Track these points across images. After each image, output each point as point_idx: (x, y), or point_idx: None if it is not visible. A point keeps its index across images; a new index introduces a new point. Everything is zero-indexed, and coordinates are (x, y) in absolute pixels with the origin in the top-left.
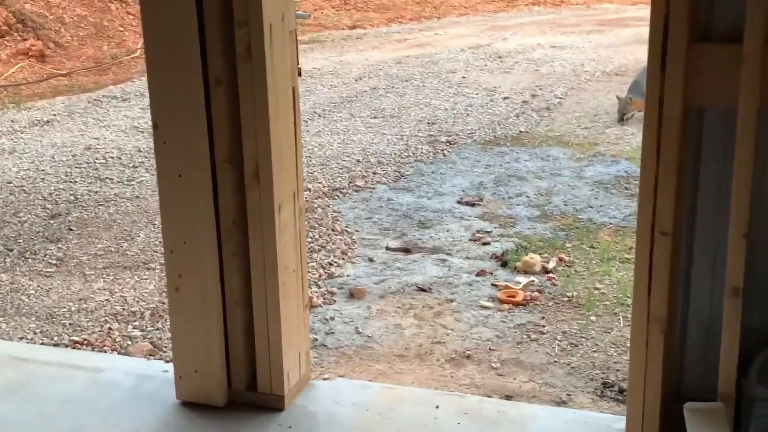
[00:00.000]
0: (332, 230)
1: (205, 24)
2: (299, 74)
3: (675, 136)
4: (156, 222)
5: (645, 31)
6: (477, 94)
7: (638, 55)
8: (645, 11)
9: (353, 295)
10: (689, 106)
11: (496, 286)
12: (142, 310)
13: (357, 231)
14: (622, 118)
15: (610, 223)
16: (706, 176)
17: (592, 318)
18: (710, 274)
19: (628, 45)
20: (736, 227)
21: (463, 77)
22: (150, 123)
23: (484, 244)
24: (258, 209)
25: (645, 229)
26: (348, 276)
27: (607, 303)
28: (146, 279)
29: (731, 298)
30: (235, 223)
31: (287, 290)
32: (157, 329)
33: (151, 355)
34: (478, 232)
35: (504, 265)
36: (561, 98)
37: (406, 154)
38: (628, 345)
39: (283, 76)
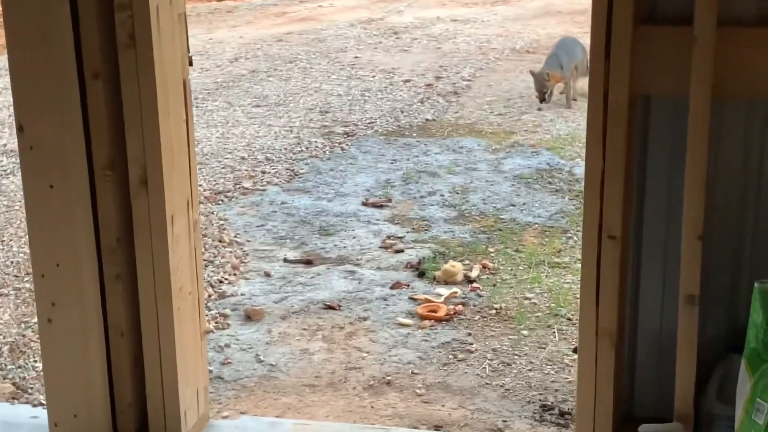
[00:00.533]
0: (219, 241)
1: (79, 6)
2: (190, 63)
3: (622, 129)
4: (5, 237)
5: (555, 1)
6: (374, 76)
7: (550, 30)
8: None
9: (250, 316)
10: (636, 95)
11: (414, 300)
12: None
13: (249, 241)
14: (543, 98)
15: (536, 223)
16: (654, 173)
17: (524, 332)
18: (661, 280)
19: (537, 18)
20: (689, 229)
21: (356, 57)
22: None
23: (397, 251)
24: (146, 222)
25: (591, 233)
26: (242, 295)
27: (540, 314)
28: None
29: (686, 306)
30: (119, 240)
31: (182, 316)
32: (20, 367)
33: (14, 398)
34: (388, 237)
35: (421, 275)
36: (469, 80)
37: (299, 149)
38: (566, 361)
39: (172, 66)
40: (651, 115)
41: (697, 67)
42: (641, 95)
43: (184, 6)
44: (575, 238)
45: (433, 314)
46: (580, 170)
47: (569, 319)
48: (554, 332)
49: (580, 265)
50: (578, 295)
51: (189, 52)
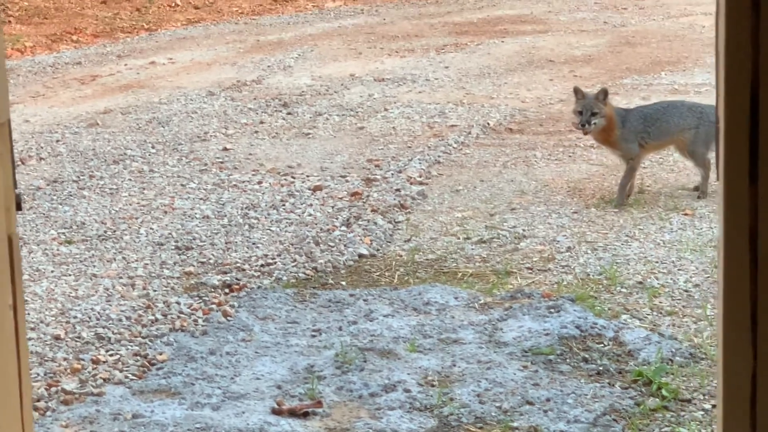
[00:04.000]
0: None
1: None
2: (18, 207)
3: None
4: None
5: (537, 42)
6: (260, 182)
7: (540, 92)
8: (532, 5)
9: None
10: None
11: None
12: None
13: None
14: (585, 123)
15: None
16: None
17: None
18: None
19: (516, 71)
20: None
21: (226, 149)
22: None
23: None
24: None
25: None
26: None
27: None
28: None
29: None
30: None
31: None
32: None
33: None
34: None
35: None
36: (421, 183)
37: (150, 316)
38: None
39: None
40: None
41: None
42: None
43: (7, 114)
44: None
45: None
46: (632, 335)
47: None
48: None
49: None
50: None
51: (16, 187)
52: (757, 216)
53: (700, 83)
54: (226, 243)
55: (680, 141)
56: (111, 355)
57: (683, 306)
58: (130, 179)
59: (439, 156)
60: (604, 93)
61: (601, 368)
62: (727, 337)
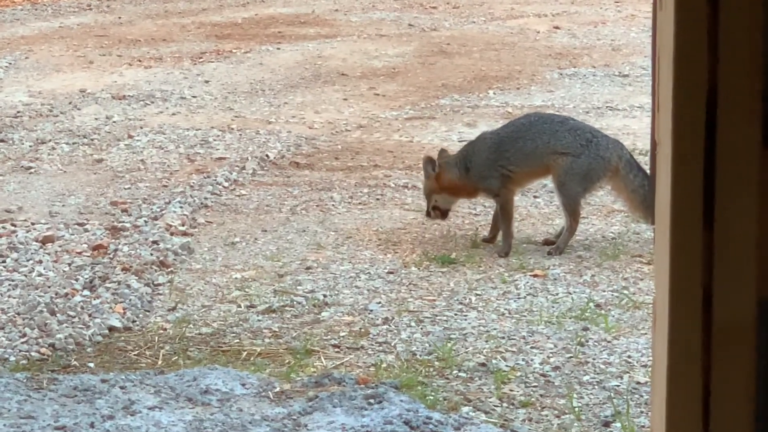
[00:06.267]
0: None
1: None
2: None
3: (744, 383)
4: None
5: (324, 49)
6: None
7: (331, 115)
8: (312, 1)
9: None
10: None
11: None
12: None
13: None
14: (428, 214)
15: None
16: None
17: None
18: None
19: (298, 87)
20: None
21: None
22: None
23: None
24: None
25: None
26: None
27: None
28: None
29: None
30: None
31: None
32: None
33: None
34: None
35: None
36: (185, 232)
37: None
38: None
39: None
40: None
41: None
42: None
43: None
44: None
45: None
46: None
47: None
48: None
49: None
50: None
51: None
52: (711, 270)
53: (541, 105)
54: None
55: (552, 168)
56: None
57: (541, 395)
58: None
59: (205, 198)
60: (428, 173)
61: None
62: (672, 427)
